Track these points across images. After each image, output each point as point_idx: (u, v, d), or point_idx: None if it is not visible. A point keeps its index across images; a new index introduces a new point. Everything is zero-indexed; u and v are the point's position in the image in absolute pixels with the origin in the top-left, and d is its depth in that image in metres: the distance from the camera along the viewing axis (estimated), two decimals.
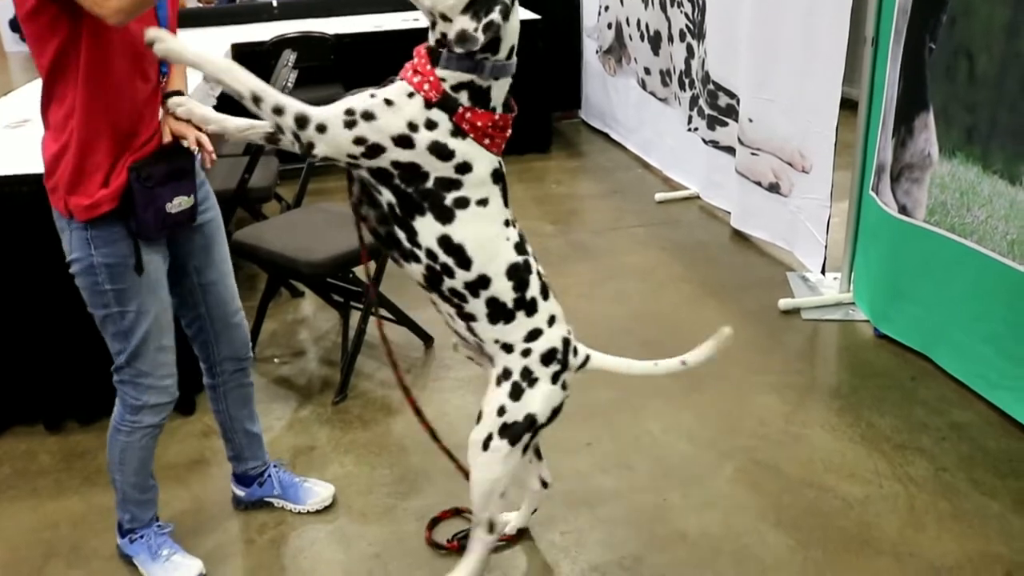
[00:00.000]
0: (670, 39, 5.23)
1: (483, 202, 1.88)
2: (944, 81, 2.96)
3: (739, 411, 3.05)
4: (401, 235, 1.90)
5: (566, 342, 2.05)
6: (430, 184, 1.84)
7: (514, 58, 1.84)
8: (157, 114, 2.13)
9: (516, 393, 2.00)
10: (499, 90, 1.84)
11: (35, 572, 2.46)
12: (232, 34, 5.54)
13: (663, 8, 5.25)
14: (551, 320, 2.03)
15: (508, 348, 2.00)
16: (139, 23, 1.92)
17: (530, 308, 1.98)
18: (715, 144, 4.76)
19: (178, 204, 2.11)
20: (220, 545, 2.53)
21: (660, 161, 5.61)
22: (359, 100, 1.82)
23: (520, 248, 1.97)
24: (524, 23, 1.85)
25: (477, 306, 1.95)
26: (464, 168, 1.84)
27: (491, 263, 1.92)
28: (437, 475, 2.72)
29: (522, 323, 1.98)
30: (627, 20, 5.81)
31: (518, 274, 1.95)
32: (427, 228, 1.87)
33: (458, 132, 1.82)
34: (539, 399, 2.01)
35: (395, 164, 1.83)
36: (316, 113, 1.80)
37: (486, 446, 2.03)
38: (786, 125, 4.00)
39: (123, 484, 2.34)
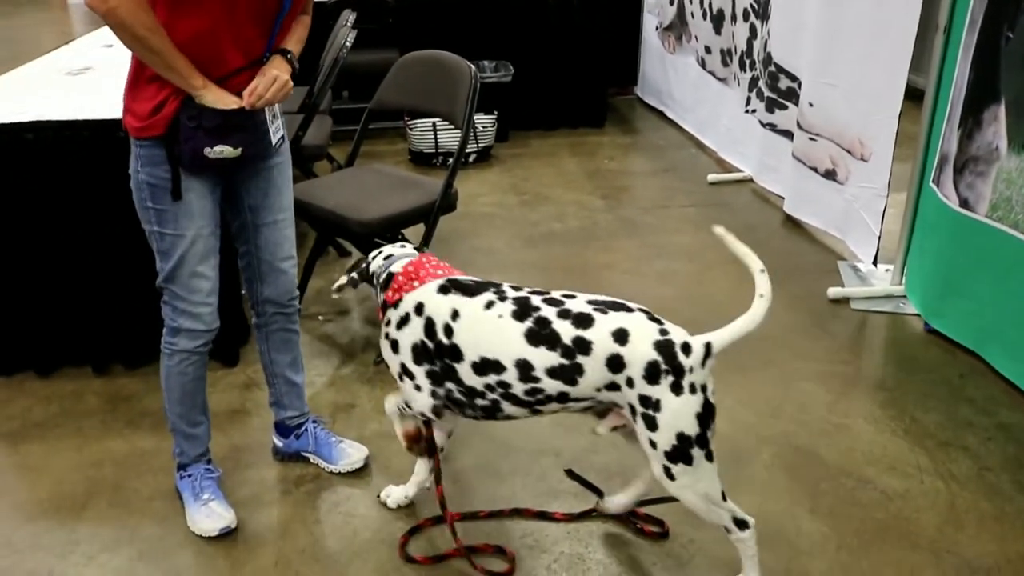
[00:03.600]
0: (733, 18, 5.15)
1: None
2: (1019, 72, 2.87)
3: (781, 396, 3.02)
4: None
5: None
6: None
7: None
8: (239, 66, 2.12)
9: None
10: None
11: (78, 508, 2.52)
12: None
13: None
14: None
15: None
16: None
17: None
18: (772, 127, 4.68)
19: (219, 152, 2.12)
20: (256, 494, 2.57)
21: (715, 142, 5.53)
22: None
23: None
24: None
25: None
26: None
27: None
28: (473, 439, 2.73)
29: None
30: None
31: None
32: None
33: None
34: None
35: None
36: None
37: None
38: (847, 111, 3.92)
39: (171, 412, 2.41)
